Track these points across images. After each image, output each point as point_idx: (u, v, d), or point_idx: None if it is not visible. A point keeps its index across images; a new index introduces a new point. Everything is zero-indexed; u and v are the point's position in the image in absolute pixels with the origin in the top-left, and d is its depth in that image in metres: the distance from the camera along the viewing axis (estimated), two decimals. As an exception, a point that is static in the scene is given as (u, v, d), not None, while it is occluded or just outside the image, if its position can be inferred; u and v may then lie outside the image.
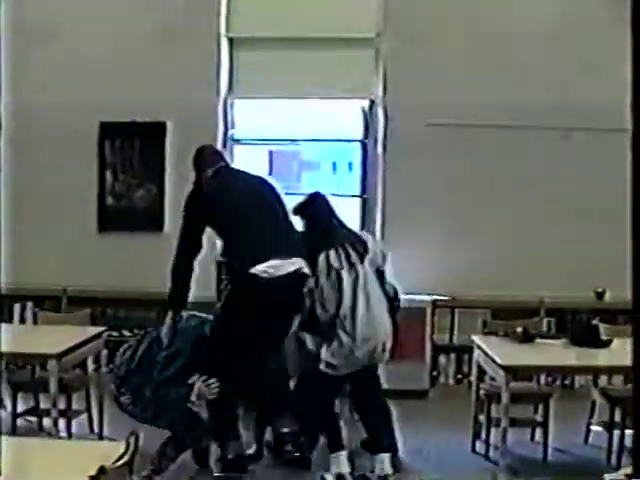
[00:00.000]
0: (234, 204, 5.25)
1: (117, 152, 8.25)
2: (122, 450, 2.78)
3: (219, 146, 8.22)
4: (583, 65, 7.79)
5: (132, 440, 2.85)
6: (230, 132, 8.36)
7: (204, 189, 5.42)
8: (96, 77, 7.96)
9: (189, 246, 5.35)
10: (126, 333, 8.12)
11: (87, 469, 2.57)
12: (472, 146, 7.91)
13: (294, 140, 8.51)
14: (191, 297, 7.60)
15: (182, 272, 5.34)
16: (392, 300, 5.33)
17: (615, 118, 7.65)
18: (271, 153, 8.63)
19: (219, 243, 5.70)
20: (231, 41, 8.29)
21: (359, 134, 8.35)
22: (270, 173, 8.39)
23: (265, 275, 4.93)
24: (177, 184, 8.15)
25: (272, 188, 5.44)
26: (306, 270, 5.08)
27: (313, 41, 8.14)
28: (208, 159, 5.55)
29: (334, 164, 8.66)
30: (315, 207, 5.46)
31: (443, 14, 7.94)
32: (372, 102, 8.23)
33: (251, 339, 5.02)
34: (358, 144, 8.34)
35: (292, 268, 5.02)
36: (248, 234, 5.12)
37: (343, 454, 5.27)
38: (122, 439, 2.99)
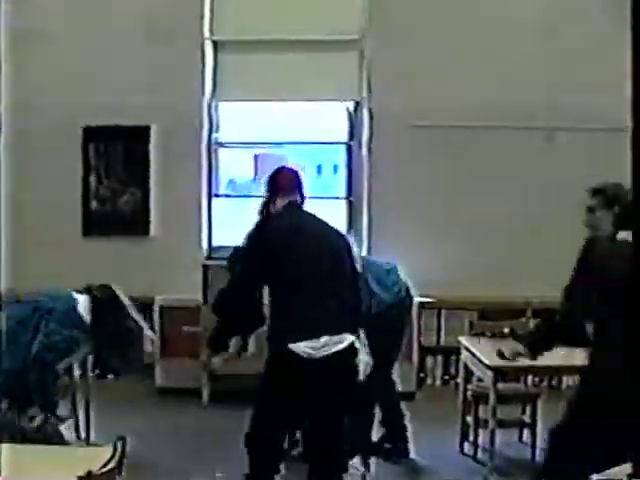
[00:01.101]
0: (300, 258, 4.44)
1: (101, 156, 8.21)
2: (109, 455, 2.76)
3: (203, 149, 8.21)
4: (567, 66, 7.80)
5: (119, 445, 2.82)
6: (214, 135, 8.34)
7: (268, 228, 4.59)
8: (79, 81, 7.94)
9: (243, 290, 4.59)
10: (112, 338, 8.08)
11: (74, 474, 2.55)
12: (457, 147, 7.92)
13: (279, 143, 8.50)
14: (177, 302, 7.62)
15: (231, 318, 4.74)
16: None
17: (599, 118, 7.74)
18: (256, 157, 8.62)
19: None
20: (215, 44, 8.27)
21: (344, 136, 8.35)
22: (255, 177, 8.39)
23: (304, 355, 4.31)
24: (162, 188, 8.16)
25: (347, 245, 4.64)
26: (357, 345, 4.45)
27: (297, 43, 8.12)
28: (283, 184, 4.70)
29: (319, 167, 8.65)
30: None
31: (427, 15, 7.94)
32: (357, 104, 8.22)
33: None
34: (343, 146, 8.34)
35: (337, 348, 4.35)
36: (304, 300, 4.38)
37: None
38: (109, 444, 2.97)
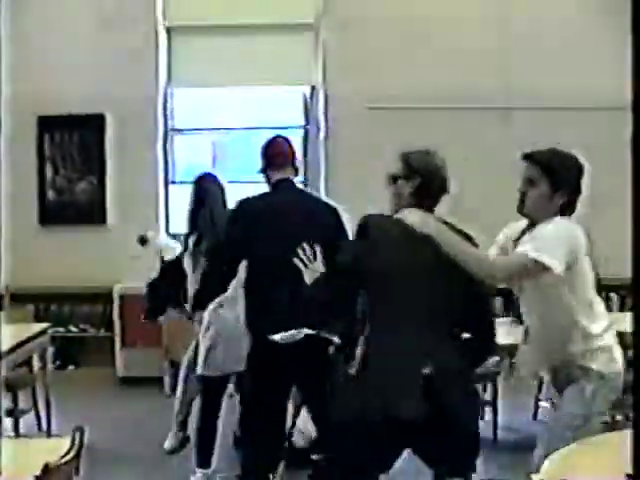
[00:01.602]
0: (274, 241, 4.28)
1: (56, 145, 8.14)
2: (67, 446, 2.74)
3: (159, 137, 8.16)
4: (522, 46, 7.84)
5: (77, 436, 2.80)
6: (170, 122, 8.29)
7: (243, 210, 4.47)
8: (33, 70, 7.85)
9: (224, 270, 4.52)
10: (72, 329, 8.04)
11: (34, 467, 2.53)
12: (414, 129, 7.90)
13: (235, 129, 8.46)
14: (136, 290, 7.57)
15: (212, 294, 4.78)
16: None
17: (555, 96, 7.79)
18: (214, 143, 8.57)
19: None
20: (168, 30, 8.21)
21: (301, 120, 8.33)
22: (214, 163, 8.34)
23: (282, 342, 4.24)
24: (119, 176, 8.10)
25: (337, 224, 4.49)
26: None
27: (252, 28, 8.08)
28: (274, 159, 4.54)
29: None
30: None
31: (381, -1, 7.96)
32: (313, 88, 8.20)
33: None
34: (300, 130, 8.31)
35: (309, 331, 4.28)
36: (278, 286, 4.22)
37: None
38: (68, 435, 2.95)
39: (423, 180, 3.56)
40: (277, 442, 4.60)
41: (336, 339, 4.37)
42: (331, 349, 4.41)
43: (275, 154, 4.53)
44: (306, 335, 4.25)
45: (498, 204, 7.92)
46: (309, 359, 4.30)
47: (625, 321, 5.16)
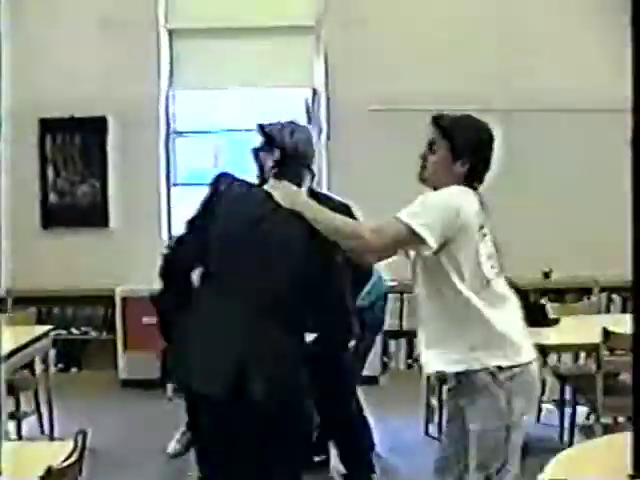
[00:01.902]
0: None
1: (58, 148, 8.14)
2: (70, 449, 2.74)
3: (161, 139, 8.17)
4: (521, 47, 7.85)
5: (80, 438, 2.80)
6: (172, 125, 8.29)
7: None
8: (35, 72, 7.85)
9: None
10: (74, 331, 8.04)
11: (37, 470, 2.53)
12: (415, 131, 7.85)
13: (237, 131, 8.45)
14: (139, 293, 7.58)
15: None
16: None
17: (555, 99, 7.79)
18: (216, 146, 8.57)
19: None
20: (171, 32, 8.21)
21: (302, 123, 8.30)
22: (215, 166, 8.34)
23: None
24: (120, 178, 8.10)
25: None
26: None
27: (253, 30, 8.09)
28: None
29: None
30: None
31: (384, 1, 7.95)
32: (314, 90, 8.20)
33: None
34: (302, 133, 8.30)
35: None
36: None
37: None
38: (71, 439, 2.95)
39: (282, 153, 3.37)
40: None
41: None
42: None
43: None
44: None
45: (497, 205, 7.94)
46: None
47: (626, 323, 5.18)
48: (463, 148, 3.38)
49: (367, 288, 5.34)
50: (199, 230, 3.29)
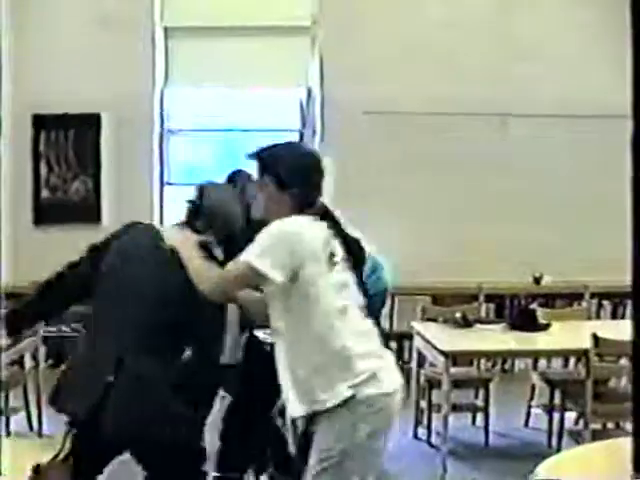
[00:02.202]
0: None
1: (52, 144, 8.13)
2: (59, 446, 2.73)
3: (155, 137, 8.16)
4: (519, 53, 7.87)
5: (69, 435, 2.79)
6: (166, 123, 8.28)
7: None
8: (29, 69, 7.83)
9: None
10: (64, 328, 8.02)
11: (25, 467, 2.52)
12: (409, 134, 7.94)
13: (231, 130, 8.46)
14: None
15: None
16: None
17: (552, 104, 7.81)
18: (209, 145, 8.57)
19: None
20: (166, 30, 8.20)
21: (296, 124, 8.32)
22: (209, 165, 8.33)
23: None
24: (113, 176, 8.08)
25: None
26: None
27: (249, 30, 8.09)
28: None
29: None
30: None
31: (378, 3, 7.95)
32: (309, 91, 8.20)
33: None
34: (296, 134, 8.31)
35: None
36: None
37: None
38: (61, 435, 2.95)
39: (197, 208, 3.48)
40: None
41: None
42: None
43: None
44: None
45: (496, 209, 7.99)
46: None
47: (616, 329, 5.20)
48: (289, 178, 3.25)
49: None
50: (94, 259, 3.47)
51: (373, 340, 3.26)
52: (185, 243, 3.28)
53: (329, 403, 3.08)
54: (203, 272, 3.17)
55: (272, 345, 3.32)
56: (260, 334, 4.34)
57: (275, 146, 3.35)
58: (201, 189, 3.50)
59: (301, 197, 3.25)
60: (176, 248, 3.25)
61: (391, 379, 3.22)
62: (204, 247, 3.33)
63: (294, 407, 3.13)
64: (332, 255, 3.16)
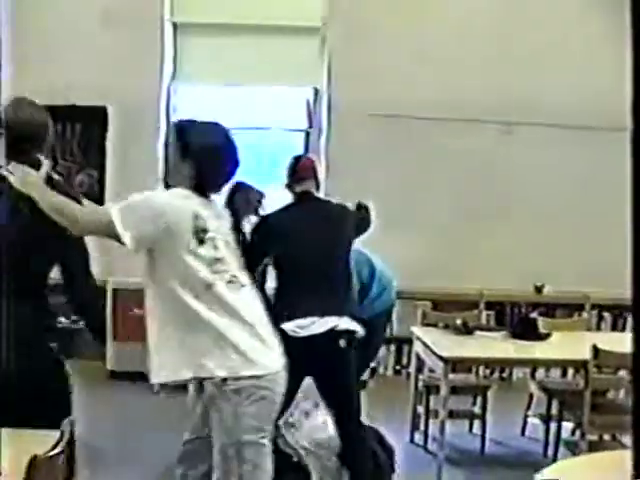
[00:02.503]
0: (298, 244, 4.66)
1: (57, 136, 8.11)
2: (56, 439, 2.73)
3: (161, 132, 8.15)
4: (523, 61, 7.88)
5: (67, 428, 2.79)
6: (173, 119, 8.27)
7: (272, 217, 4.70)
8: (37, 62, 7.82)
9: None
10: (63, 320, 8.01)
11: (23, 459, 2.52)
12: (415, 138, 7.94)
13: (237, 128, 8.43)
14: (130, 284, 7.56)
15: None
16: None
17: (555, 113, 7.81)
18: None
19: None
20: (175, 26, 8.20)
21: (303, 124, 8.32)
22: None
23: (292, 334, 4.38)
24: (118, 169, 8.08)
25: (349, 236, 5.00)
26: (344, 326, 4.56)
27: (258, 28, 8.09)
28: (299, 173, 4.91)
29: (276, 154, 8.61)
30: None
31: (389, 5, 7.95)
32: (316, 91, 8.21)
33: None
34: (302, 134, 8.31)
35: (323, 328, 4.49)
36: (299, 283, 4.61)
37: None
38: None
39: (7, 133, 3.41)
40: None
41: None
42: (342, 342, 4.53)
43: (298, 169, 4.90)
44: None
45: (497, 214, 7.99)
46: (325, 353, 4.49)
47: (616, 341, 5.19)
48: (191, 149, 3.44)
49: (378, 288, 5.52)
50: None
51: (250, 318, 3.31)
52: (33, 184, 3.27)
53: (196, 373, 3.26)
54: (65, 210, 3.22)
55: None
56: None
57: (203, 123, 3.61)
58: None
59: (198, 173, 3.41)
60: (24, 186, 3.25)
61: (268, 359, 3.31)
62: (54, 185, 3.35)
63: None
64: (204, 230, 3.28)
